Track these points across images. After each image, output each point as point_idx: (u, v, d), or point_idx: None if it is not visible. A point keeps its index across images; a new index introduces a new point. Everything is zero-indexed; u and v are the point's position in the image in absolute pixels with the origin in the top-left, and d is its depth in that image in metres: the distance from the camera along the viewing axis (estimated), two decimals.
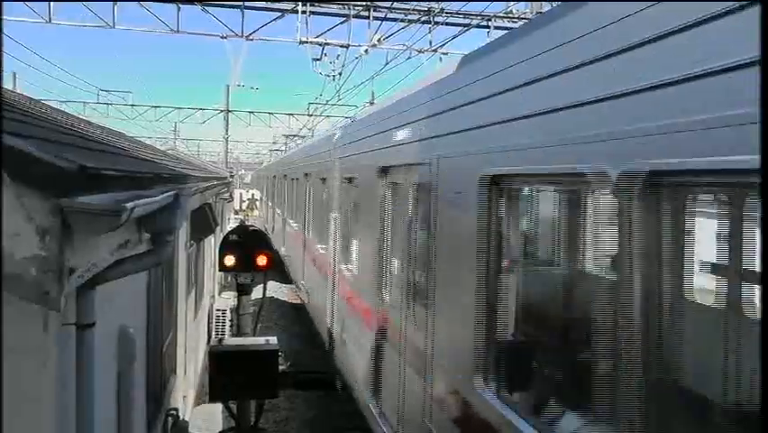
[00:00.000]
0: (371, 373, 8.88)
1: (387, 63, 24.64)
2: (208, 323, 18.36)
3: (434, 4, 22.24)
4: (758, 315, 2.62)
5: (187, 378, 12.26)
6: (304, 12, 22.30)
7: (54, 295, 2.59)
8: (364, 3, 22.39)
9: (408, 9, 22.54)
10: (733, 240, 3.55)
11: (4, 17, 21.39)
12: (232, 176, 35.36)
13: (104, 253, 3.34)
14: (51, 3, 21.10)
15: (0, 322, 2.75)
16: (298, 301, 22.23)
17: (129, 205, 2.84)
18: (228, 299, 19.67)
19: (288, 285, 26.10)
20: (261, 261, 9.97)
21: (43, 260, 2.54)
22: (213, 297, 20.56)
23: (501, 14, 23.02)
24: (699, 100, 2.77)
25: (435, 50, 23.51)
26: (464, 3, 22.05)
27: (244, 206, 35.24)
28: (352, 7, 22.54)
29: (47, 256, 2.54)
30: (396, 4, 22.23)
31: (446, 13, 22.70)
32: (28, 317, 2.94)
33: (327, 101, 36.97)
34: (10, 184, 2.45)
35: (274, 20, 22.67)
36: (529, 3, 22.05)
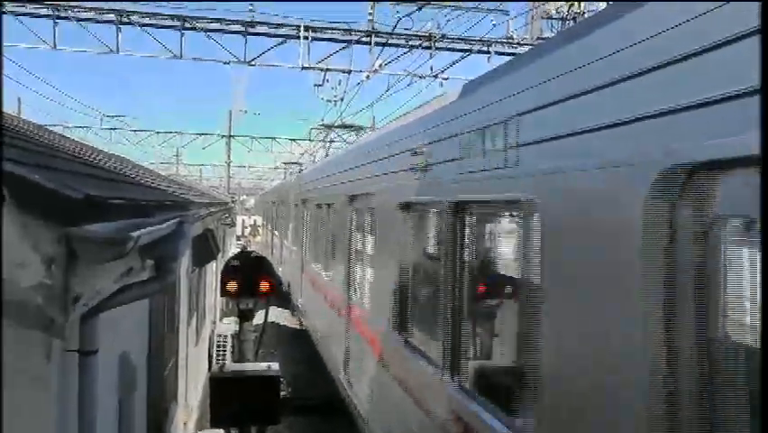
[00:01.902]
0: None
1: (388, 89, 24.82)
2: (209, 349, 18.30)
3: (434, 30, 22.41)
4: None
5: (188, 404, 12.21)
6: (306, 38, 22.50)
7: (59, 323, 2.60)
8: (366, 29, 22.58)
9: (409, 35, 22.71)
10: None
11: (11, 43, 21.65)
12: (233, 201, 35.37)
13: (108, 281, 3.36)
14: (56, 29, 21.32)
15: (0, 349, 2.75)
16: (299, 327, 22.18)
17: (134, 234, 2.86)
18: (229, 325, 19.60)
19: (289, 310, 26.04)
20: (264, 287, 9.96)
21: (49, 288, 2.56)
22: (214, 322, 20.51)
23: (502, 40, 23.20)
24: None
25: (436, 76, 23.67)
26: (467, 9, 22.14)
27: (246, 232, 35.20)
28: (353, 33, 22.74)
29: (52, 285, 2.56)
30: (397, 30, 22.41)
31: (447, 38, 22.87)
32: (30, 344, 2.95)
33: (329, 126, 37.09)
34: (16, 214, 2.48)
35: (276, 46, 22.88)
36: (528, 28, 22.25)
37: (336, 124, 31.95)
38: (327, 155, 31.83)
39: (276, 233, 32.38)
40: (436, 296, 6.34)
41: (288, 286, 23.40)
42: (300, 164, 48.86)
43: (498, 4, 21.82)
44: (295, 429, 14.78)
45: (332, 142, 34.34)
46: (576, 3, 20.40)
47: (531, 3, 21.20)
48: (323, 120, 35.72)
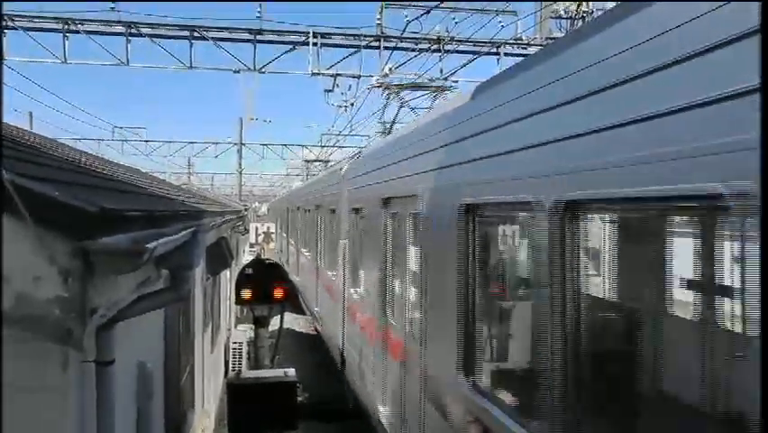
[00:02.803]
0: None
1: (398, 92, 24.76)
2: (225, 356, 18.36)
3: (443, 33, 22.41)
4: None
5: (206, 411, 12.26)
6: (315, 44, 22.55)
7: (77, 335, 2.64)
8: (374, 34, 22.61)
9: (418, 38, 22.72)
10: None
11: (21, 58, 21.82)
12: (246, 209, 35.48)
13: (124, 292, 3.39)
14: (66, 43, 21.46)
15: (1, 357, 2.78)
16: (314, 332, 22.19)
17: (150, 245, 2.89)
18: (244, 332, 19.65)
19: (304, 316, 26.10)
20: (278, 293, 10.03)
21: (66, 301, 2.59)
22: (229, 329, 20.57)
23: (511, 41, 23.18)
24: None
25: (446, 79, 23.66)
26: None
27: (260, 239, 35.21)
28: (362, 38, 22.78)
29: (70, 297, 2.59)
30: (405, 34, 22.44)
31: (456, 41, 22.86)
32: (48, 355, 2.98)
33: (340, 132, 37.20)
34: (33, 228, 2.51)
35: (285, 53, 22.94)
36: (537, 28, 22.22)
37: (406, 83, 21.97)
38: (388, 131, 21.80)
39: (304, 251, 23.08)
40: None
41: (341, 358, 14.33)
42: (325, 161, 40.76)
43: (506, 4, 21.78)
44: None
45: (402, 106, 22.65)
46: (585, 2, 20.36)
47: (539, 3, 21.16)
48: (333, 126, 35.10)
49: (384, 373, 9.90)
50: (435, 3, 21.06)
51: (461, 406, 6.21)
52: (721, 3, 2.75)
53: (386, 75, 22.79)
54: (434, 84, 21.00)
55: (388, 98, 23.15)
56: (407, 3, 21.89)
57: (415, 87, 21.23)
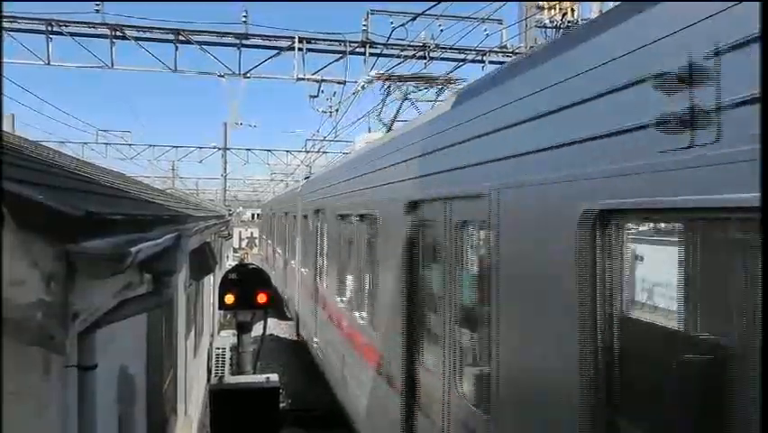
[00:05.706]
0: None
1: (384, 99, 24.73)
2: (208, 361, 18.27)
3: (429, 40, 22.44)
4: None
5: (188, 417, 12.18)
6: (300, 49, 22.54)
7: (59, 339, 2.61)
8: (360, 40, 22.62)
9: (404, 45, 22.75)
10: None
11: (4, 59, 21.64)
12: (230, 214, 35.38)
13: (107, 296, 3.37)
14: (50, 45, 21.31)
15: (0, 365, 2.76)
16: (297, 338, 22.13)
17: (134, 249, 2.87)
18: (227, 338, 19.57)
19: (287, 322, 26.01)
20: (261, 298, 10.01)
21: (48, 305, 2.56)
22: (212, 335, 20.47)
23: (496, 49, 23.26)
24: None
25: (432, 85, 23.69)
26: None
27: (243, 244, 35.12)
28: (348, 44, 22.78)
29: (52, 301, 2.57)
30: (391, 41, 22.46)
31: (441, 48, 22.91)
32: (29, 359, 2.95)
33: (324, 137, 37.14)
34: (16, 231, 2.49)
35: (270, 57, 22.90)
36: (522, 37, 22.34)
37: (407, 75, 17.77)
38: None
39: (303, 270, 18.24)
40: None
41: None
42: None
43: (492, 12, 21.81)
44: None
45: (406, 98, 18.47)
46: (569, 12, 20.50)
47: (524, 12, 21.27)
48: (318, 131, 35.11)
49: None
50: (425, 4, 21.05)
51: None
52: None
53: (370, 81, 22.79)
54: (439, 77, 17.69)
55: (388, 93, 19.22)
56: (393, 11, 21.95)
57: (419, 79, 17.39)
